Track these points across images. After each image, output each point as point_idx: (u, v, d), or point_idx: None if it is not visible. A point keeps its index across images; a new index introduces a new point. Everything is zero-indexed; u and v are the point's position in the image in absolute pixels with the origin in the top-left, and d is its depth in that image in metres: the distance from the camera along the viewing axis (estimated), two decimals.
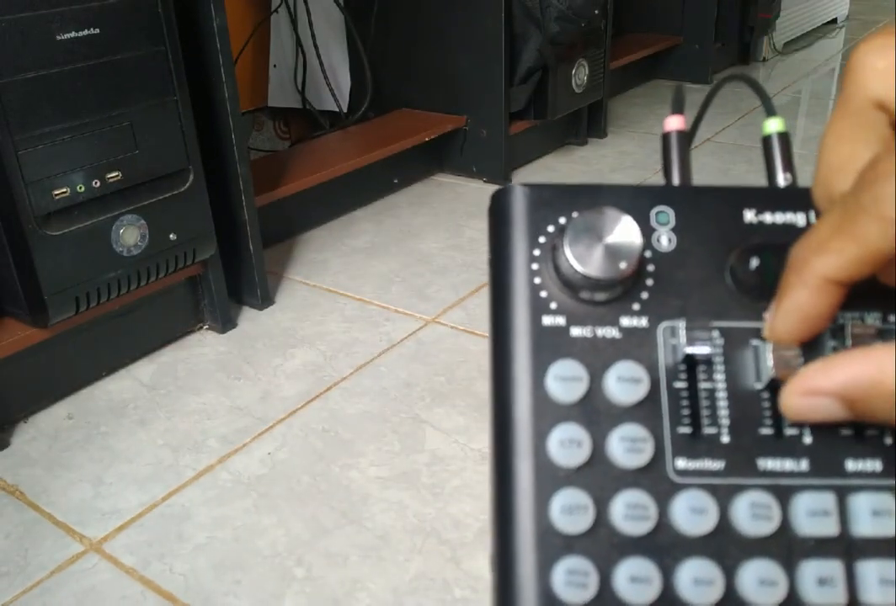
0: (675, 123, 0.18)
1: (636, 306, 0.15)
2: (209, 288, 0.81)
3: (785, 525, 0.14)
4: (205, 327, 0.84)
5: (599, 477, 0.14)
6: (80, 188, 0.65)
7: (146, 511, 0.59)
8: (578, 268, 0.14)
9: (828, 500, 0.14)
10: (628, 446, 0.14)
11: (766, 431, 0.15)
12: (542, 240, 0.15)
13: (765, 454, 0.14)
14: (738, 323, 0.15)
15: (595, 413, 0.14)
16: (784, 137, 0.18)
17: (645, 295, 0.15)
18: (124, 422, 0.70)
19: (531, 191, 0.15)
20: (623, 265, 0.14)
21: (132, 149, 0.68)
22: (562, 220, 0.15)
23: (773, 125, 0.18)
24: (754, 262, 0.15)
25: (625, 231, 0.14)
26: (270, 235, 0.99)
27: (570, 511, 0.14)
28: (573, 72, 1.23)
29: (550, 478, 0.14)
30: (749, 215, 0.15)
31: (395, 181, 1.19)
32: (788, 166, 0.17)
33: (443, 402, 0.72)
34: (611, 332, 0.15)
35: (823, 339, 0.15)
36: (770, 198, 0.16)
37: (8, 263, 0.65)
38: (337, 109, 1.26)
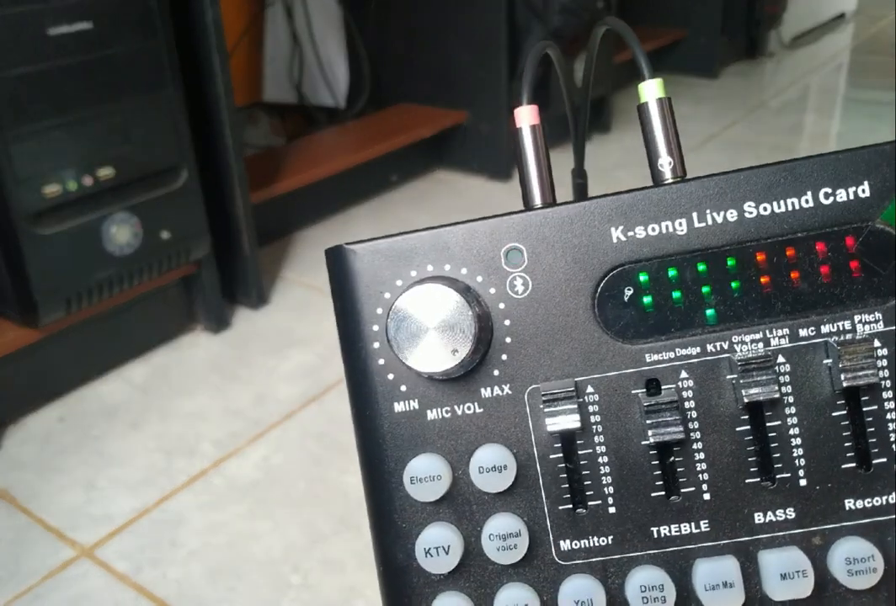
0: (526, 117, 0.14)
1: (496, 372, 0.13)
2: (203, 287, 0.80)
3: (683, 603, 0.13)
4: (199, 328, 0.83)
5: (477, 576, 0.13)
6: (72, 185, 0.63)
7: (139, 516, 0.58)
8: (410, 365, 0.12)
9: (729, 566, 0.12)
10: (500, 543, 0.13)
11: (658, 494, 0.13)
12: (379, 311, 0.13)
13: (658, 520, 0.13)
14: (615, 371, 0.13)
15: (464, 507, 0.13)
16: (664, 104, 0.14)
17: (504, 356, 0.13)
18: (116, 425, 0.69)
19: (361, 254, 0.14)
20: (458, 353, 0.12)
21: (125, 145, 0.66)
22: (398, 283, 0.13)
23: (651, 90, 0.14)
24: (626, 292, 0.13)
25: (451, 310, 0.12)
26: (266, 233, 0.97)
27: None
28: (576, 66, 1.21)
29: (428, 586, 0.13)
30: (616, 233, 0.13)
31: (394, 178, 1.18)
32: (671, 147, 0.13)
33: None
34: (471, 409, 0.13)
35: (718, 375, 0.13)
36: (641, 204, 0.13)
37: None
38: (334, 104, 1.24)
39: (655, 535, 0.13)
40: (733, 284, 0.13)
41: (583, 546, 0.13)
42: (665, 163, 0.14)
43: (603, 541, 0.13)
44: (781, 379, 0.13)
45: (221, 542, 0.56)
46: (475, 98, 1.16)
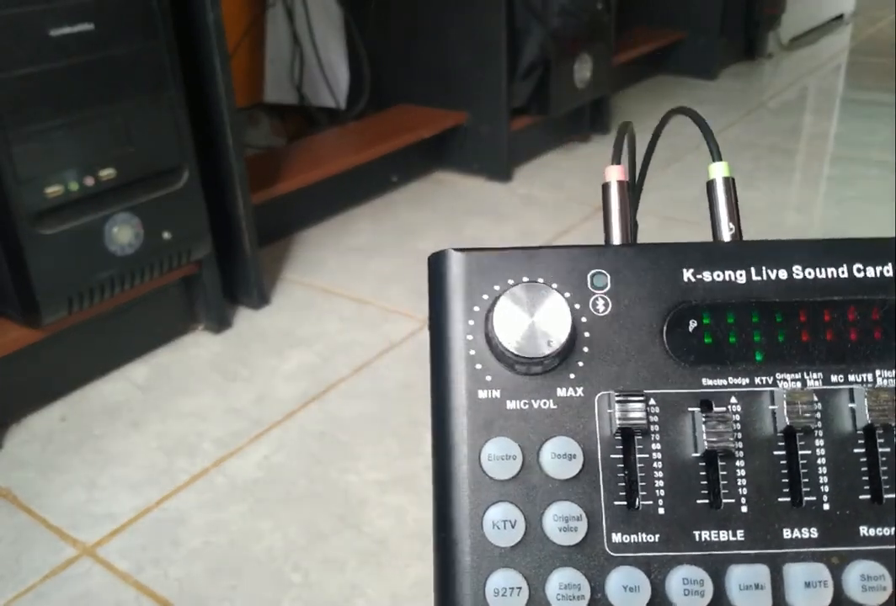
0: (614, 174, 0.17)
1: (572, 375, 0.15)
2: (204, 287, 0.80)
3: (718, 600, 0.14)
4: (200, 328, 0.83)
5: (534, 555, 0.14)
6: (73, 186, 0.64)
7: (140, 515, 0.59)
8: (508, 347, 0.14)
9: (761, 572, 0.14)
10: (563, 524, 0.14)
11: (703, 501, 0.15)
12: (476, 309, 0.15)
13: (701, 525, 0.15)
14: (675, 389, 0.15)
15: (530, 489, 0.15)
16: (729, 183, 0.17)
17: (581, 363, 0.15)
18: (118, 425, 0.69)
19: (466, 258, 0.15)
20: (552, 344, 0.14)
21: (126, 146, 0.67)
22: (496, 288, 0.15)
23: (719, 170, 0.17)
24: (691, 324, 0.15)
25: (554, 309, 0.14)
26: (266, 234, 0.97)
27: (505, 593, 0.14)
28: (576, 67, 1.21)
29: (487, 558, 0.14)
30: (687, 274, 0.16)
31: (394, 179, 1.18)
32: (733, 216, 0.17)
33: None
34: (546, 404, 0.15)
35: (762, 404, 0.15)
36: (710, 254, 0.16)
37: None
38: (334, 105, 1.24)
39: (697, 538, 0.15)
40: (779, 335, 0.15)
41: (632, 540, 0.15)
42: (726, 228, 0.17)
43: (650, 538, 0.15)
44: (814, 414, 0.15)
45: (223, 541, 0.56)
46: (475, 99, 1.17)
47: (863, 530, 0.15)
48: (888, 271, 0.15)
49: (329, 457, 0.64)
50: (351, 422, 0.69)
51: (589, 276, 0.15)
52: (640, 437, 0.15)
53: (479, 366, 0.15)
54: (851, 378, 0.15)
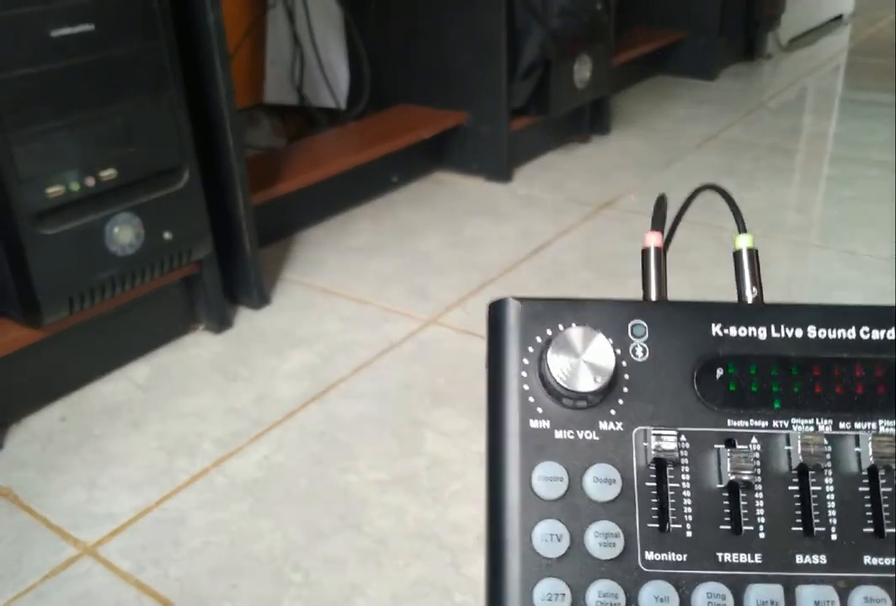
0: (653, 240, 0.20)
1: (613, 411, 0.17)
2: (204, 287, 0.80)
3: None
4: (200, 328, 0.83)
5: (577, 567, 0.16)
6: (74, 186, 0.64)
7: (141, 514, 0.59)
8: (560, 382, 0.17)
9: (776, 591, 0.16)
10: (602, 540, 0.16)
11: (725, 527, 0.17)
12: (530, 350, 0.18)
13: (723, 548, 0.17)
14: (703, 428, 0.17)
15: (574, 509, 0.17)
16: (753, 253, 0.20)
17: (621, 401, 0.17)
18: (118, 425, 0.69)
19: (522, 306, 0.18)
20: (598, 380, 0.17)
21: (127, 146, 0.67)
22: (548, 332, 0.18)
23: (744, 241, 0.20)
24: (718, 372, 0.18)
25: (600, 350, 0.17)
26: (267, 234, 0.98)
27: (551, 598, 0.16)
28: (575, 67, 1.21)
29: (535, 567, 0.16)
30: (716, 329, 0.18)
31: (394, 179, 1.18)
32: (756, 281, 0.20)
33: (443, 404, 0.70)
34: (590, 435, 0.17)
35: (779, 444, 0.17)
36: (736, 313, 0.18)
37: (1, 262, 0.64)
38: (335, 106, 1.24)
39: (720, 559, 0.17)
40: (795, 386, 0.18)
41: (663, 558, 0.17)
42: (749, 292, 0.20)
43: (679, 557, 0.17)
44: (824, 455, 0.17)
45: (223, 541, 0.56)
46: (475, 99, 1.17)
47: (866, 559, 0.17)
48: (891, 334, 0.18)
49: (329, 457, 0.64)
50: (351, 422, 0.69)
51: (630, 326, 0.18)
52: (671, 468, 0.17)
53: (531, 400, 0.17)
54: (857, 425, 0.18)
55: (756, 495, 0.17)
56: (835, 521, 0.17)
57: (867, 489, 0.17)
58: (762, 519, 0.17)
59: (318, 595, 0.52)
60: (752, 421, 0.17)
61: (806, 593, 0.16)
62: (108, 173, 0.66)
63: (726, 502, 0.17)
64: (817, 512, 0.17)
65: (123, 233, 0.68)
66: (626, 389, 0.17)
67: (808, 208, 1.10)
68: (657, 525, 0.17)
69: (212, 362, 0.78)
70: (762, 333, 0.18)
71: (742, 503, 0.17)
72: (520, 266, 0.96)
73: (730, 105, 1.54)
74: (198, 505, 0.59)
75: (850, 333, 0.18)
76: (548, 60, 1.15)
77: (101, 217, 0.66)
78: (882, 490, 0.17)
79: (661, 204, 0.21)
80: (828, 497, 0.17)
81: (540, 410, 0.17)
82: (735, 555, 0.16)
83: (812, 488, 0.17)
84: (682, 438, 0.17)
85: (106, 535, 0.57)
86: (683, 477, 0.17)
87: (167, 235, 0.72)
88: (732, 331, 0.18)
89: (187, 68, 0.71)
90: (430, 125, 1.15)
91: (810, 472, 0.17)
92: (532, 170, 1.25)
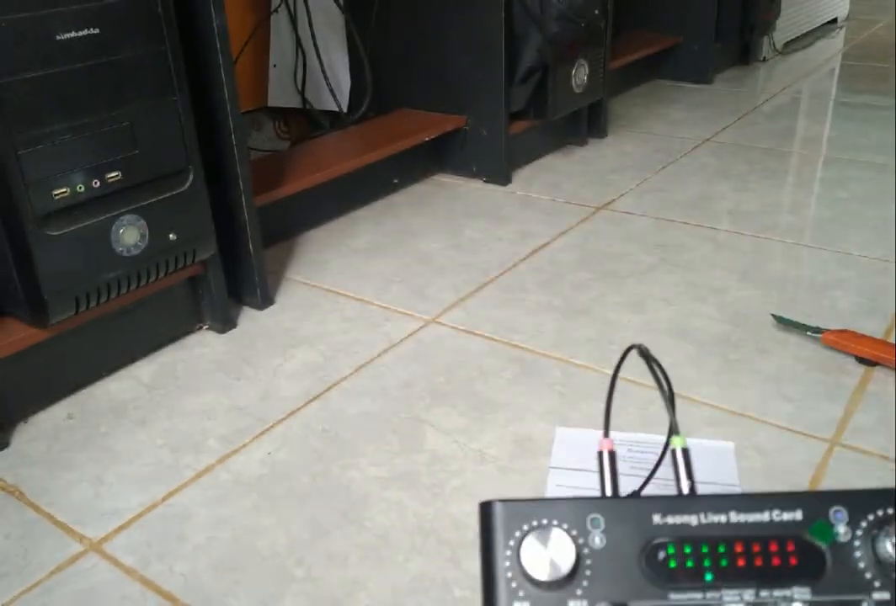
0: (606, 445, 0.25)
1: (579, 591, 0.21)
2: (209, 288, 0.81)
3: None
4: (205, 327, 0.84)
5: None
6: (80, 188, 0.65)
7: (146, 511, 0.59)
8: (531, 572, 0.21)
9: None
10: None
11: None
12: (511, 543, 0.22)
13: None
14: (651, 601, 0.21)
15: None
16: (685, 452, 0.25)
17: (585, 582, 0.21)
18: (124, 422, 0.70)
19: (504, 507, 0.22)
20: (562, 569, 0.21)
21: (132, 149, 0.68)
22: (524, 527, 0.22)
23: (678, 443, 0.25)
24: (660, 554, 0.22)
25: (562, 544, 0.21)
26: (270, 235, 0.99)
27: None
28: (573, 72, 1.23)
29: None
30: (657, 518, 0.22)
31: (395, 181, 1.19)
32: (689, 475, 0.25)
33: (443, 402, 0.71)
34: None
35: None
36: (672, 504, 0.22)
37: (8, 263, 0.65)
38: (337, 109, 1.25)
39: None
40: (722, 561, 0.22)
41: None
42: (685, 485, 0.25)
43: None
44: None
45: (227, 536, 0.57)
46: (474, 103, 1.18)
47: None
48: (798, 515, 0.22)
49: (331, 454, 0.65)
50: (353, 420, 0.70)
51: (588, 519, 0.22)
52: None
53: (514, 585, 0.22)
54: (776, 593, 0.21)
55: None
56: None
57: None
58: None
59: (320, 590, 0.52)
60: (689, 593, 0.21)
61: None
62: (114, 175, 0.67)
63: None
64: None
65: (129, 235, 0.69)
66: (588, 572, 0.21)
67: (801, 209, 1.11)
68: None
69: (216, 361, 0.79)
70: (693, 520, 0.22)
71: None
72: (519, 266, 0.97)
73: (725, 108, 1.55)
74: (203, 501, 0.60)
75: (766, 515, 0.22)
76: (546, 65, 1.17)
77: (106, 218, 0.67)
78: None
79: (608, 411, 0.26)
80: None
81: (521, 593, 0.21)
82: None
83: None
84: None
85: (111, 531, 0.58)
86: None
87: (172, 236, 0.73)
88: (669, 519, 0.22)
89: (192, 72, 0.72)
90: (431, 128, 1.16)
91: None
92: (530, 173, 1.26)
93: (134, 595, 0.53)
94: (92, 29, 0.63)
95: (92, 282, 0.68)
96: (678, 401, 0.69)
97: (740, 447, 0.63)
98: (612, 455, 0.25)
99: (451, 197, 1.18)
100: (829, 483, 0.60)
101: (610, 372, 0.73)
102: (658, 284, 0.91)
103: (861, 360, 0.74)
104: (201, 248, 0.77)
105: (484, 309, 0.87)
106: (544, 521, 0.22)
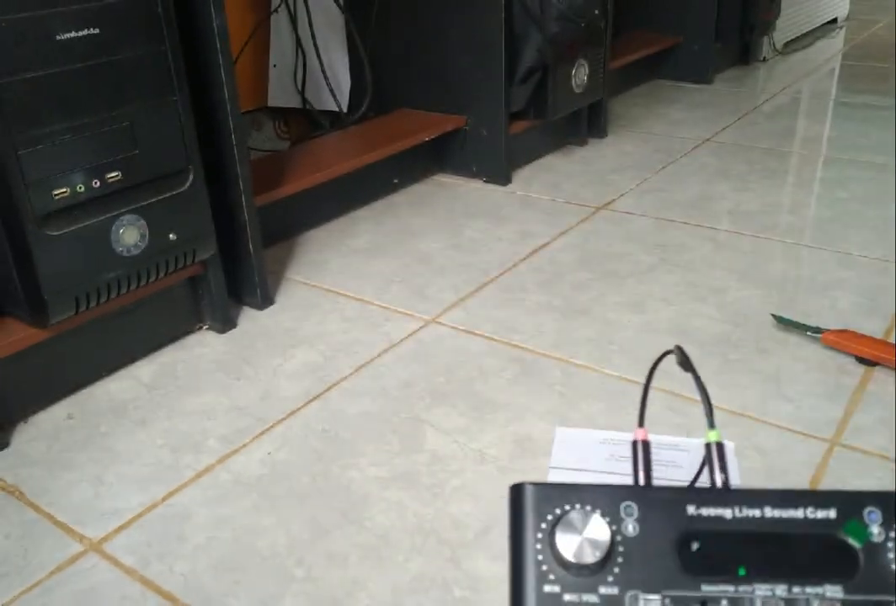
0: (641, 435, 0.25)
1: (610, 578, 0.21)
2: (209, 288, 0.81)
3: None
4: (205, 327, 0.84)
5: None
6: (80, 188, 0.65)
7: (146, 511, 0.59)
8: (566, 556, 0.21)
9: None
10: None
11: None
12: (543, 526, 0.22)
13: None
14: (682, 592, 0.21)
15: None
16: (720, 446, 0.25)
17: (616, 569, 0.21)
18: (124, 422, 0.70)
19: (536, 490, 0.22)
20: (597, 553, 0.21)
21: (132, 149, 0.68)
22: (557, 511, 0.22)
23: (713, 437, 0.25)
24: (694, 545, 0.21)
25: (598, 528, 0.21)
26: (270, 235, 0.99)
27: None
28: (573, 72, 1.23)
29: None
30: (691, 509, 0.22)
31: (396, 181, 1.19)
32: (723, 469, 0.25)
33: (443, 402, 0.71)
34: (592, 598, 0.21)
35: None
36: (707, 496, 0.22)
37: (8, 263, 0.65)
38: (337, 109, 1.26)
39: None
40: (756, 556, 0.21)
41: None
42: (719, 479, 0.24)
43: None
44: None
45: (227, 536, 0.57)
46: (474, 103, 1.18)
47: None
48: (833, 514, 0.22)
49: (331, 454, 0.65)
50: (353, 420, 0.70)
51: (622, 507, 0.22)
52: None
53: (544, 568, 0.21)
54: (808, 590, 0.21)
55: None
56: None
57: None
58: None
59: (320, 590, 0.52)
60: (721, 586, 0.21)
61: None
62: (114, 175, 0.67)
63: None
64: None
65: (129, 235, 0.69)
66: (620, 559, 0.21)
67: (802, 209, 1.11)
68: None
69: (216, 361, 0.79)
70: (728, 513, 0.22)
71: None
72: (519, 266, 0.97)
73: (725, 108, 1.55)
74: (203, 501, 0.60)
75: (800, 512, 0.22)
76: (546, 65, 1.17)
77: (106, 218, 0.67)
78: None
79: (644, 404, 0.26)
80: None
81: (552, 577, 0.21)
82: None
83: None
84: (666, 601, 0.21)
85: (111, 531, 0.58)
86: None
87: (172, 236, 0.73)
88: (704, 511, 0.22)
89: (192, 72, 0.72)
90: (431, 128, 1.16)
91: None
92: (530, 173, 1.26)
93: (134, 595, 0.53)
94: (92, 29, 0.63)
95: (92, 282, 0.68)
96: (678, 401, 0.69)
97: (740, 447, 0.63)
98: (647, 444, 0.25)
99: (451, 197, 1.18)
100: (830, 483, 0.60)
101: (610, 372, 0.74)
102: (658, 284, 0.91)
103: (861, 360, 0.74)
104: (201, 248, 0.77)
105: (484, 309, 0.87)
106: (577, 506, 0.22)
